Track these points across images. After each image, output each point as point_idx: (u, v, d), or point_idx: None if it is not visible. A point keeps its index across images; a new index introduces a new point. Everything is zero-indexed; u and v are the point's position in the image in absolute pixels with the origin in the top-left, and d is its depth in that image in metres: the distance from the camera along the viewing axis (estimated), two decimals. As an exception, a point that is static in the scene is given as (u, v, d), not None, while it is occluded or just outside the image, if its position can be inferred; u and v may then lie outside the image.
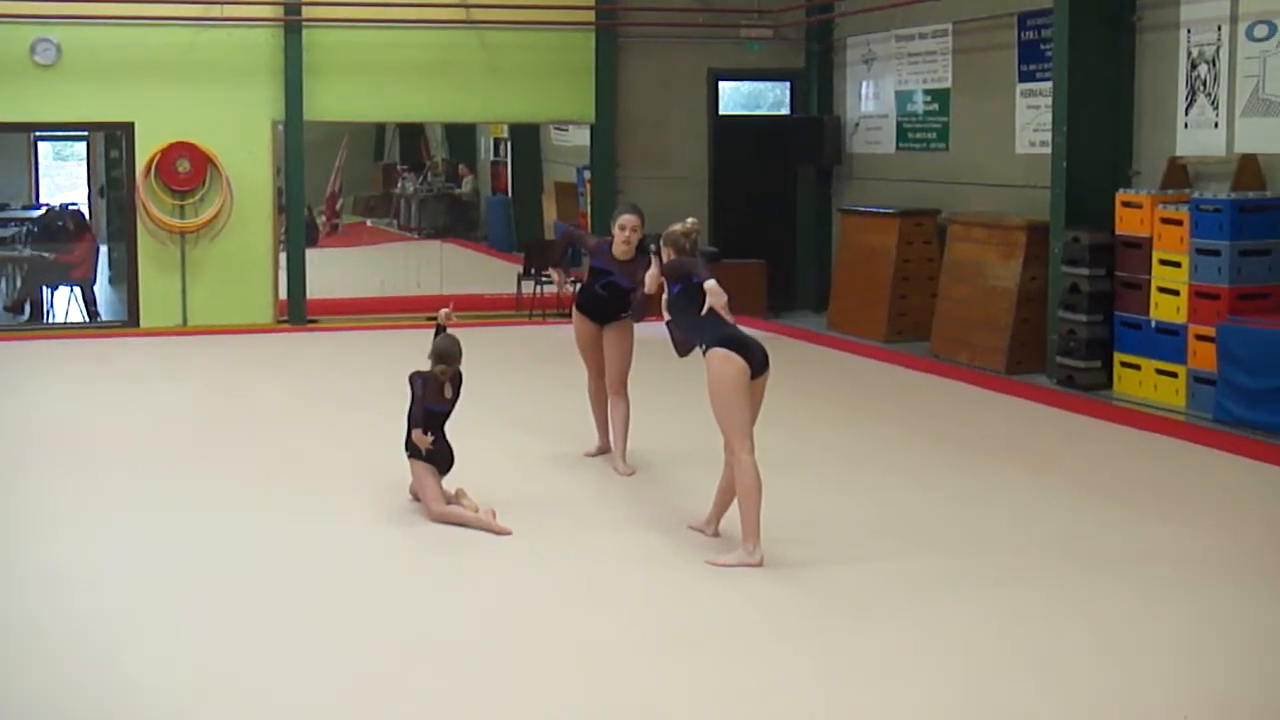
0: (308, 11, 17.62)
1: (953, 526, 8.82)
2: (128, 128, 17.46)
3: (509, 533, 8.52)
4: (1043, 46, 14.78)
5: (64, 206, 20.66)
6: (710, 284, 7.92)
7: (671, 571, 7.88)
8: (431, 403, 8.88)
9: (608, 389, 10.29)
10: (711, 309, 7.93)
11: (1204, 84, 12.83)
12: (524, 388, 13.40)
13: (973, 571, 7.87)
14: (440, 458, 8.92)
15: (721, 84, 19.56)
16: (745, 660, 6.59)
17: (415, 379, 8.90)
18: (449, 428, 9.01)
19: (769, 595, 7.49)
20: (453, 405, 9.01)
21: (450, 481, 8.96)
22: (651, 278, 9.09)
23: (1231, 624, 7.11)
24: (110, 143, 19.82)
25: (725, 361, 7.87)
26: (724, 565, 7.87)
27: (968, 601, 7.36)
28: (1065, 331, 13.50)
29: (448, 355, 8.94)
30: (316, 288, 18.06)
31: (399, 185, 22.07)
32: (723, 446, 8.10)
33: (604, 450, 10.49)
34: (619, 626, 7.04)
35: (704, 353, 8.00)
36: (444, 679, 6.38)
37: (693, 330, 8.17)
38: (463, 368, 9.03)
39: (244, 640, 6.84)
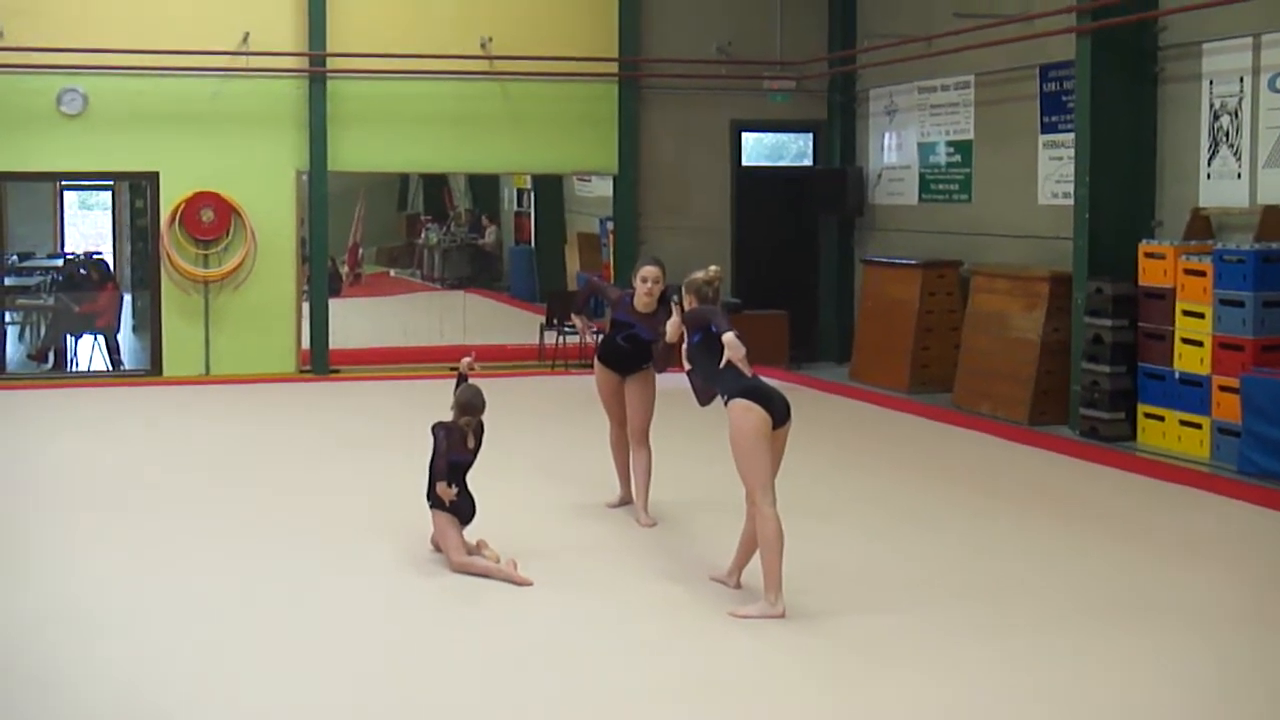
0: (332, 63, 17.72)
1: (975, 577, 8.78)
2: (153, 177, 17.56)
3: (530, 583, 8.49)
4: (1065, 98, 14.80)
5: (88, 255, 20.75)
6: (728, 337, 7.89)
7: (693, 623, 7.84)
8: (455, 454, 8.86)
9: (630, 439, 10.28)
10: (730, 361, 7.91)
11: (1226, 135, 12.83)
12: (546, 438, 13.40)
13: (994, 621, 7.83)
14: (462, 509, 8.90)
15: (744, 135, 19.59)
16: (768, 711, 6.56)
17: (438, 430, 8.89)
18: (470, 477, 9.00)
19: (792, 646, 7.45)
20: (475, 456, 9.00)
21: (472, 532, 8.95)
22: (673, 326, 9.07)
23: (1252, 674, 7.07)
24: (135, 192, 19.92)
25: (747, 412, 7.85)
26: (746, 617, 7.84)
27: (989, 651, 7.33)
28: (1088, 383, 13.46)
29: (471, 406, 8.93)
30: (339, 337, 18.10)
31: (422, 235, 22.16)
32: (744, 497, 8.08)
33: (626, 501, 10.47)
34: (640, 678, 7.01)
35: (725, 403, 7.98)
36: (464, 730, 6.38)
37: (712, 380, 8.14)
38: (485, 418, 9.03)
39: (264, 687, 6.83)
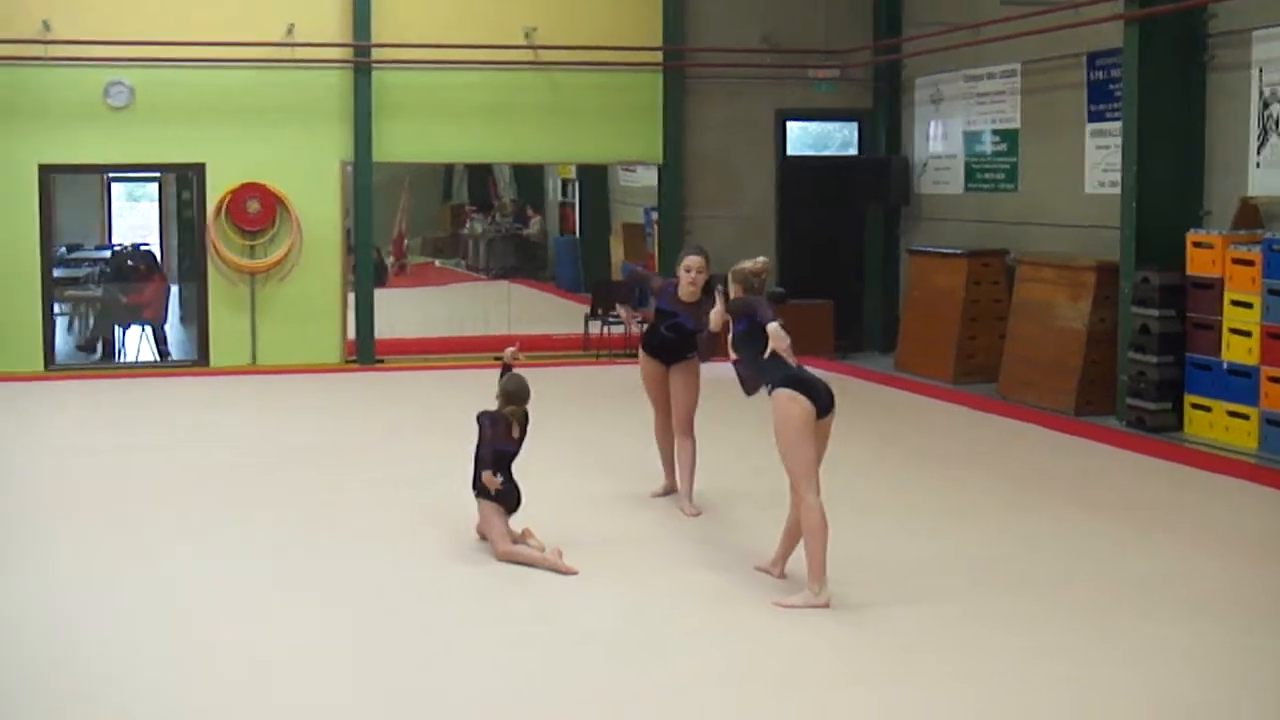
0: (377, 53, 17.76)
1: (1019, 569, 8.75)
2: (199, 169, 17.65)
3: (575, 572, 8.51)
4: (1112, 86, 14.71)
5: (135, 247, 20.86)
6: (773, 327, 7.87)
7: (737, 612, 7.84)
8: (500, 443, 8.89)
9: (674, 428, 10.27)
10: (774, 351, 7.89)
11: (1276, 123, 12.72)
12: (591, 427, 13.41)
13: (1038, 613, 7.80)
14: (508, 497, 8.92)
15: (789, 124, 19.55)
16: (811, 701, 6.55)
17: (484, 419, 8.91)
18: (515, 467, 9.01)
19: (835, 636, 7.45)
20: (520, 445, 9.02)
21: (517, 521, 8.97)
22: (716, 315, 9.07)
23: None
24: (182, 184, 20.03)
25: (790, 402, 7.84)
26: (790, 606, 7.83)
27: (1032, 642, 7.31)
28: (1135, 373, 13.39)
29: (516, 396, 8.95)
30: (384, 328, 18.15)
31: (467, 226, 22.18)
32: (788, 487, 8.06)
33: (670, 490, 10.47)
34: (684, 667, 7.01)
35: (769, 392, 7.97)
36: (512, 717, 6.38)
37: (756, 370, 8.13)
38: (530, 407, 9.04)
39: (310, 678, 6.86)
